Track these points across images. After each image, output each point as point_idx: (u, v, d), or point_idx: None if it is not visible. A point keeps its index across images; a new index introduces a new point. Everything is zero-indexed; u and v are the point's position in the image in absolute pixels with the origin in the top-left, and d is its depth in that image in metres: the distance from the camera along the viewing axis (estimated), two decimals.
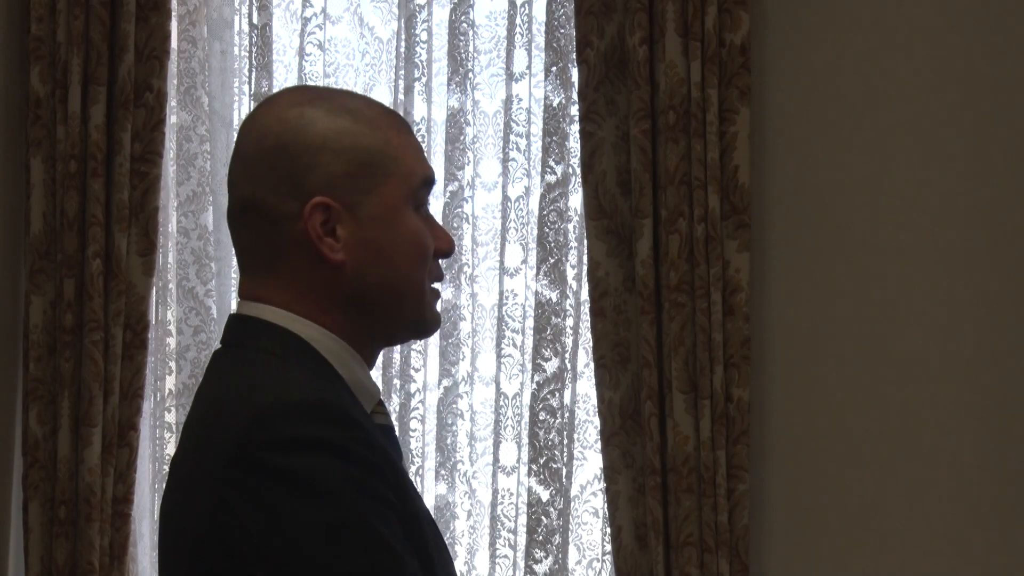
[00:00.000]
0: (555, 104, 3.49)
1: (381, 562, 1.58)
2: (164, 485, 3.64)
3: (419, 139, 3.51)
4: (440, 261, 1.80)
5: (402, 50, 3.61)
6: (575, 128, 3.46)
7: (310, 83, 3.62)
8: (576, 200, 3.48)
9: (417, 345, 3.55)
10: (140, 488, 3.57)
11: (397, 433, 3.55)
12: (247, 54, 3.66)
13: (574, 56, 3.43)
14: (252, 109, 1.79)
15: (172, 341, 3.69)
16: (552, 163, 3.48)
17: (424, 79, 3.60)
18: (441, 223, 3.52)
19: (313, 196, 1.69)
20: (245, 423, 1.60)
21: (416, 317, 1.76)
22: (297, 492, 1.57)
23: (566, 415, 3.47)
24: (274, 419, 1.60)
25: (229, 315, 1.77)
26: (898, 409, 3.33)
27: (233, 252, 3.68)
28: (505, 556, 3.52)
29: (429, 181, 1.77)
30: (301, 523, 1.56)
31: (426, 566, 1.65)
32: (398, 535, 1.61)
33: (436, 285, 1.79)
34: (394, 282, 1.72)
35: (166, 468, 3.68)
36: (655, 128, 3.33)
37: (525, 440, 3.49)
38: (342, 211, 1.70)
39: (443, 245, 1.78)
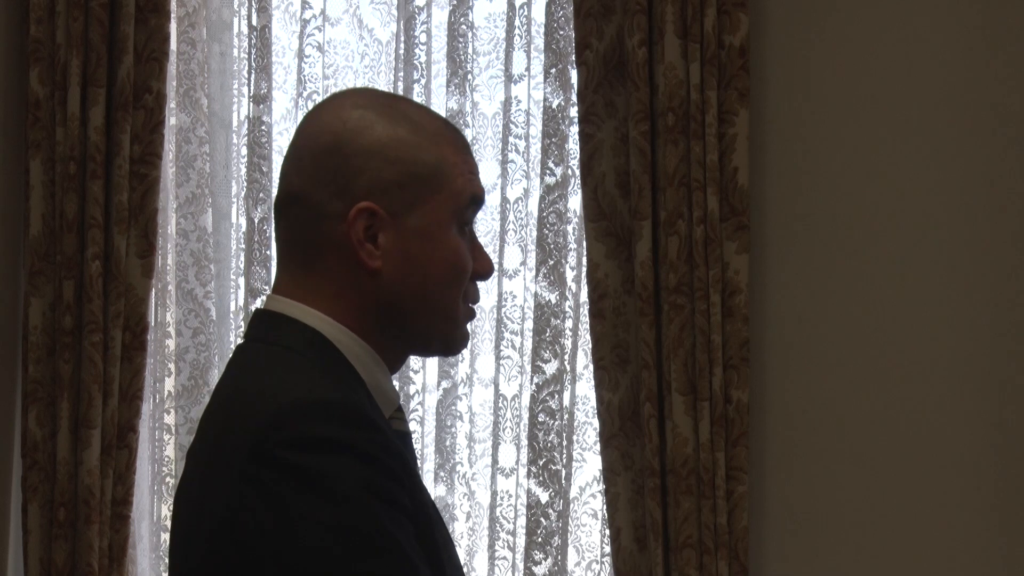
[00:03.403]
0: (554, 106, 3.49)
1: (393, 566, 1.58)
2: (164, 486, 3.66)
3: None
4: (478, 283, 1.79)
5: (401, 52, 3.61)
6: (574, 130, 3.46)
7: (309, 84, 3.62)
8: (575, 202, 3.48)
9: None
10: (139, 490, 3.57)
11: None
12: (246, 56, 3.66)
13: (573, 58, 3.43)
14: (315, 105, 1.79)
15: (171, 343, 3.69)
16: (551, 165, 3.48)
17: (423, 81, 3.60)
18: None
19: (360, 200, 1.69)
20: (265, 420, 1.60)
21: (445, 334, 1.76)
22: (313, 492, 1.57)
23: (565, 417, 3.47)
24: (294, 417, 1.60)
25: (255, 309, 1.77)
26: (897, 410, 3.33)
27: (232, 254, 3.72)
28: (504, 558, 3.52)
29: (478, 201, 1.76)
30: (315, 523, 1.56)
31: (437, 572, 1.65)
32: (411, 540, 1.61)
33: (472, 305, 1.78)
34: (427, 297, 1.72)
35: (165, 470, 3.68)
36: (654, 130, 3.33)
37: (524, 442, 3.49)
38: (387, 219, 1.70)
39: (481, 268, 1.77)
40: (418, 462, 3.54)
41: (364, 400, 1.69)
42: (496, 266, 3.55)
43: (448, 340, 1.77)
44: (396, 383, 3.57)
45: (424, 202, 1.71)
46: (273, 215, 1.78)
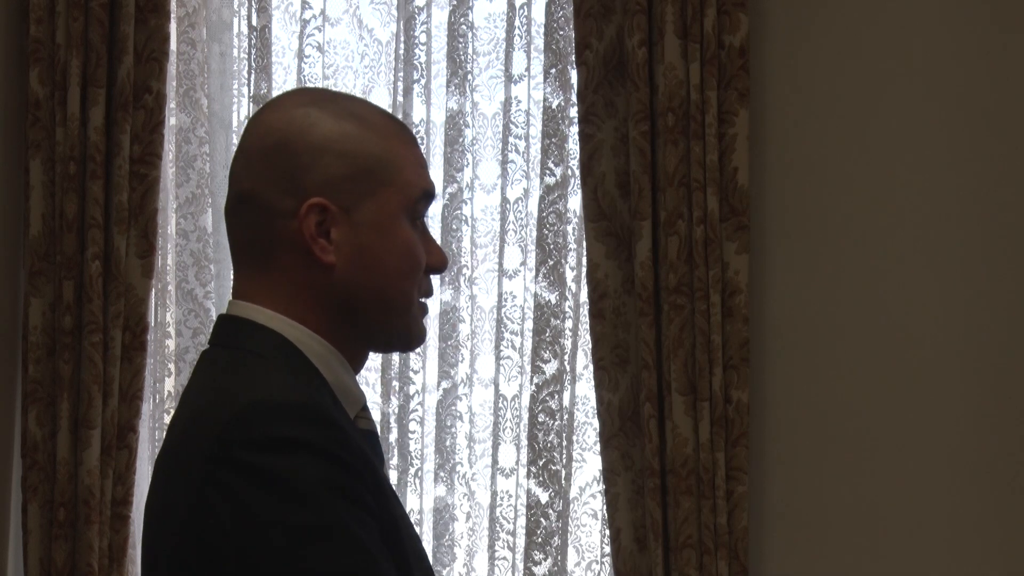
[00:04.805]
0: (554, 106, 3.49)
1: (356, 564, 1.58)
2: None
3: (420, 143, 3.53)
4: (432, 277, 1.79)
5: (401, 52, 3.61)
6: (574, 130, 3.46)
7: (309, 85, 3.62)
8: (575, 202, 3.48)
9: None
10: (139, 490, 3.56)
11: (396, 435, 3.56)
12: (246, 56, 3.67)
13: (573, 58, 3.43)
14: (260, 107, 1.80)
15: (171, 343, 3.69)
16: (551, 165, 3.48)
17: (423, 81, 3.60)
18: (440, 225, 3.54)
19: (311, 196, 1.70)
20: (226, 422, 1.60)
21: (401, 329, 1.76)
22: (274, 492, 1.57)
23: (565, 417, 3.47)
24: (254, 419, 1.60)
25: (218, 315, 1.78)
26: (897, 410, 3.33)
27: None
28: (504, 558, 3.52)
29: (428, 195, 1.76)
30: (277, 523, 1.56)
31: (403, 570, 1.65)
32: (374, 538, 1.60)
33: (425, 300, 1.79)
34: (383, 290, 1.72)
35: None
36: (654, 130, 3.33)
37: (524, 442, 3.49)
38: (338, 214, 1.70)
39: (435, 261, 1.77)
40: (414, 459, 3.56)
41: (327, 400, 1.69)
42: (496, 266, 3.55)
43: (405, 335, 1.77)
44: (396, 383, 3.58)
45: (374, 195, 1.71)
46: (225, 218, 1.78)
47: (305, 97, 1.76)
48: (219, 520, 1.58)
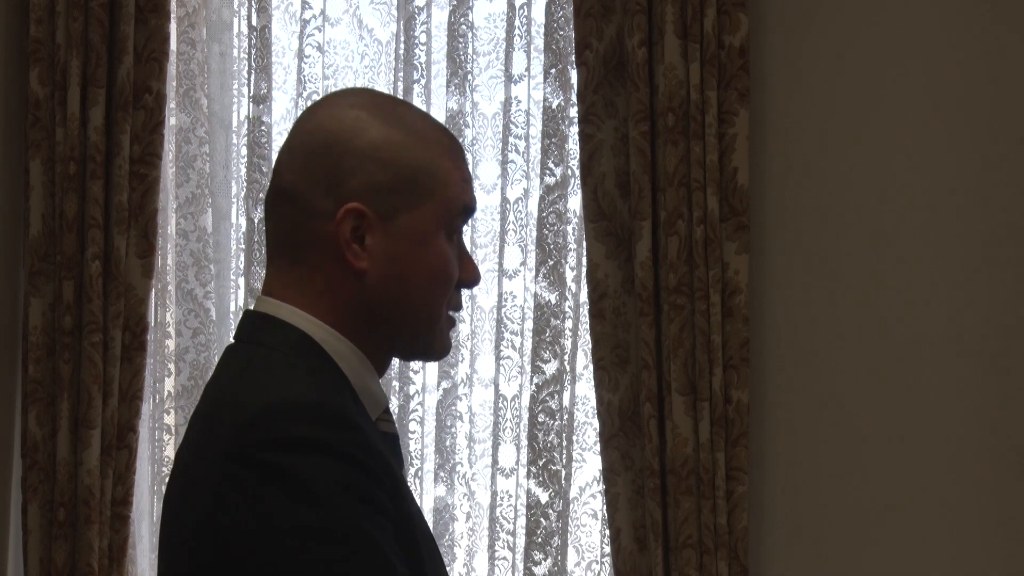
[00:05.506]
0: (554, 106, 3.49)
1: (370, 565, 1.58)
2: (164, 486, 3.66)
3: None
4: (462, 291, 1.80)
5: (401, 52, 3.61)
6: (574, 130, 3.46)
7: (309, 85, 3.62)
8: (575, 202, 3.48)
9: None
10: (139, 490, 3.57)
11: None
12: (246, 56, 3.67)
13: (573, 58, 3.43)
14: (314, 102, 1.79)
15: (171, 343, 3.69)
16: (551, 165, 3.48)
17: (423, 81, 3.60)
18: None
19: (350, 200, 1.69)
20: (246, 420, 1.61)
21: (425, 342, 1.76)
22: (290, 492, 1.57)
23: (565, 417, 3.47)
24: (274, 418, 1.60)
25: (244, 311, 1.78)
26: (897, 410, 3.33)
27: (232, 254, 3.72)
28: (504, 558, 3.52)
29: (468, 210, 1.76)
30: (292, 523, 1.57)
31: (418, 573, 1.65)
32: (390, 540, 1.61)
33: (453, 313, 1.79)
34: (410, 301, 1.72)
35: (165, 470, 3.68)
36: (654, 130, 3.33)
37: (524, 442, 3.49)
38: (375, 221, 1.70)
39: (468, 276, 1.77)
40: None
41: (347, 401, 1.69)
42: (496, 266, 3.54)
43: (428, 347, 1.77)
44: (396, 383, 3.58)
45: (415, 207, 1.71)
46: (264, 209, 1.78)
47: (359, 99, 1.75)
48: (236, 519, 1.58)
